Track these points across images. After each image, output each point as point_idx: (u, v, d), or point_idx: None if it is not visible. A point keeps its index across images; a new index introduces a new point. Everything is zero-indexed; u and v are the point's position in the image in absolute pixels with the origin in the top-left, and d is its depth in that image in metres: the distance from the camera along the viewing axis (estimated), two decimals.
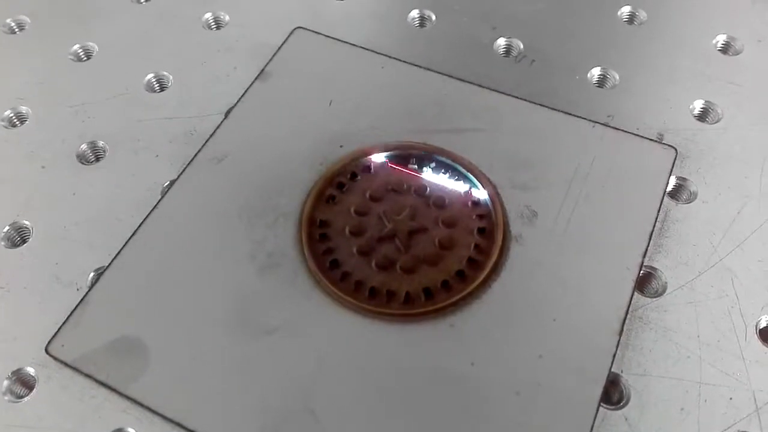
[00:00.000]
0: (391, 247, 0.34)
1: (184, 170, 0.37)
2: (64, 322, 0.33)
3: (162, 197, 0.36)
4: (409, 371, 0.31)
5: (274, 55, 0.42)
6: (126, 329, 0.32)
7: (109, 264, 0.34)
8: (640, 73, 0.42)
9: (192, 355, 0.31)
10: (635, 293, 0.33)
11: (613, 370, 0.31)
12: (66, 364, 0.31)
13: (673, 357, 0.32)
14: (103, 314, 0.33)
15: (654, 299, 0.33)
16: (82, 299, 0.33)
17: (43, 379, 0.31)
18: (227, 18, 0.44)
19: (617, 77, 0.41)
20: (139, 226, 0.35)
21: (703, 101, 0.40)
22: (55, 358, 0.32)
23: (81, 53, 0.43)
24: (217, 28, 0.44)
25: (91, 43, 0.44)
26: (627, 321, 0.32)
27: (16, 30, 0.45)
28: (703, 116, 0.40)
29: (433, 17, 0.44)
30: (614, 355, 0.31)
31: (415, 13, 0.45)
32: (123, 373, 0.31)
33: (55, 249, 0.35)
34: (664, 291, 0.34)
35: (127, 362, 0.31)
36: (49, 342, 0.32)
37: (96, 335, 0.32)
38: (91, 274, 0.34)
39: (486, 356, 0.31)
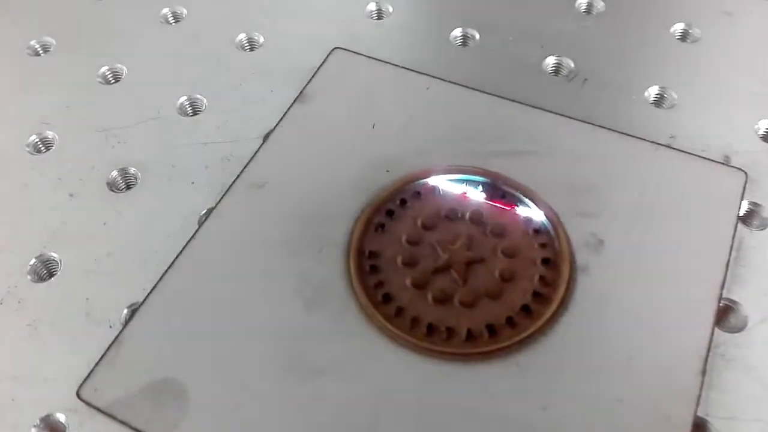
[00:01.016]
0: (447, 280, 0.32)
1: (222, 198, 0.35)
2: (96, 363, 0.30)
3: (199, 227, 0.34)
4: (475, 416, 0.28)
5: (312, 77, 0.40)
6: (164, 371, 0.30)
7: (144, 299, 0.32)
8: (698, 92, 0.39)
9: (235, 399, 0.29)
10: (714, 328, 0.31)
11: (698, 414, 0.28)
12: (99, 410, 0.29)
13: (762, 398, 0.29)
14: (138, 354, 0.30)
15: (735, 334, 0.31)
16: (115, 338, 0.31)
17: (74, 426, 0.29)
18: (261, 39, 0.43)
19: (675, 96, 0.39)
20: (176, 258, 0.33)
21: None
22: (88, 403, 0.29)
23: (109, 76, 0.41)
24: (251, 49, 0.42)
25: (119, 66, 0.42)
26: (708, 359, 0.30)
27: (41, 52, 0.43)
28: None
29: (477, 36, 0.42)
30: (699, 398, 0.29)
31: (457, 32, 0.43)
32: (162, 420, 0.29)
33: (86, 283, 0.33)
34: (744, 325, 0.31)
35: (166, 407, 0.29)
36: (80, 385, 0.29)
37: (131, 378, 0.30)
38: (125, 311, 0.32)
39: (558, 399, 0.28)
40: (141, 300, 0.32)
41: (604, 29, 0.43)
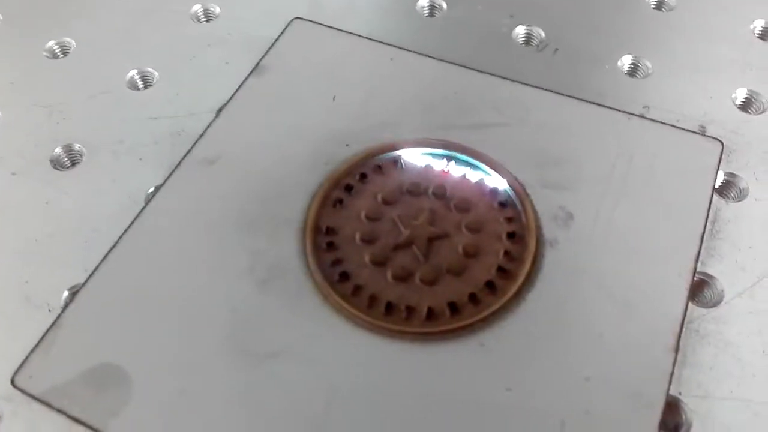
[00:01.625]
0: (408, 256, 0.30)
1: (171, 174, 0.33)
2: (33, 349, 0.28)
3: (146, 205, 0.32)
4: (435, 399, 0.27)
5: (270, 48, 0.38)
6: (105, 356, 0.28)
7: (86, 281, 0.30)
8: (674, 61, 0.38)
9: (181, 386, 0.27)
10: (688, 303, 0.29)
11: (670, 392, 0.27)
12: (35, 398, 0.27)
13: (738, 375, 0.28)
14: (78, 339, 0.28)
15: (710, 309, 0.29)
16: (54, 322, 0.29)
17: (8, 416, 0.27)
18: (218, 10, 0.41)
19: (650, 66, 0.37)
20: (120, 237, 0.31)
21: (745, 90, 0.36)
22: (23, 391, 0.27)
23: (57, 50, 0.39)
24: (207, 20, 0.40)
25: (68, 39, 0.39)
26: (682, 335, 0.28)
27: None
28: (746, 106, 0.36)
29: (444, 6, 0.41)
30: (671, 375, 0.27)
31: (424, 2, 0.41)
32: (101, 408, 0.27)
33: (25, 265, 0.31)
34: (720, 300, 0.30)
35: (107, 395, 0.27)
36: (15, 372, 0.27)
37: (70, 364, 0.28)
38: (66, 293, 0.30)
39: (524, 380, 0.27)
40: (82, 282, 0.30)
41: None
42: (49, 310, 0.29)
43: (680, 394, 0.27)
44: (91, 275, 0.30)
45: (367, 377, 0.27)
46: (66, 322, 0.29)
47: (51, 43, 0.39)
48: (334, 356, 0.28)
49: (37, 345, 0.28)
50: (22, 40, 0.40)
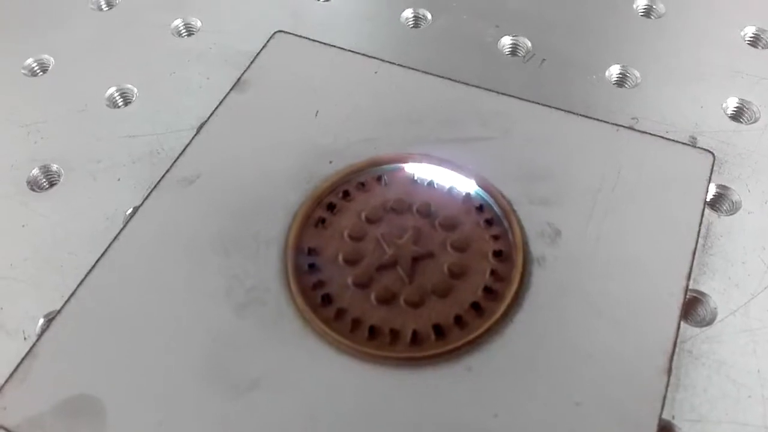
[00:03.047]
0: (392, 277, 0.29)
1: (149, 195, 0.32)
2: (7, 379, 0.27)
3: (124, 227, 0.31)
4: (421, 426, 0.26)
5: (252, 63, 0.37)
6: (80, 387, 0.27)
7: (62, 308, 0.29)
8: (663, 70, 0.37)
9: (158, 417, 0.26)
10: (681, 322, 0.28)
11: (663, 416, 0.26)
12: (8, 431, 0.26)
13: (732, 397, 0.27)
14: (53, 369, 0.28)
15: (703, 328, 0.29)
16: (29, 351, 0.28)
17: None
18: (199, 24, 0.40)
19: (638, 76, 0.37)
20: (97, 261, 0.30)
21: (736, 99, 0.36)
22: None
23: (36, 67, 0.38)
24: (188, 35, 0.40)
25: (46, 56, 0.39)
26: (675, 356, 0.27)
27: None
28: (737, 116, 0.35)
29: (429, 16, 0.40)
30: (664, 398, 0.26)
31: (408, 13, 0.40)
32: None
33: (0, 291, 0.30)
34: (713, 318, 0.29)
35: (81, 426, 0.26)
36: None
37: (45, 394, 0.27)
38: (41, 321, 0.29)
39: (512, 405, 0.26)
40: (58, 308, 0.29)
41: (561, 7, 0.40)
42: (25, 338, 0.29)
43: (673, 417, 0.26)
44: (67, 301, 0.29)
45: (350, 404, 0.26)
46: (41, 351, 0.28)
47: (30, 60, 0.39)
48: (317, 383, 0.27)
49: (11, 375, 0.27)
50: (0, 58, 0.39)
